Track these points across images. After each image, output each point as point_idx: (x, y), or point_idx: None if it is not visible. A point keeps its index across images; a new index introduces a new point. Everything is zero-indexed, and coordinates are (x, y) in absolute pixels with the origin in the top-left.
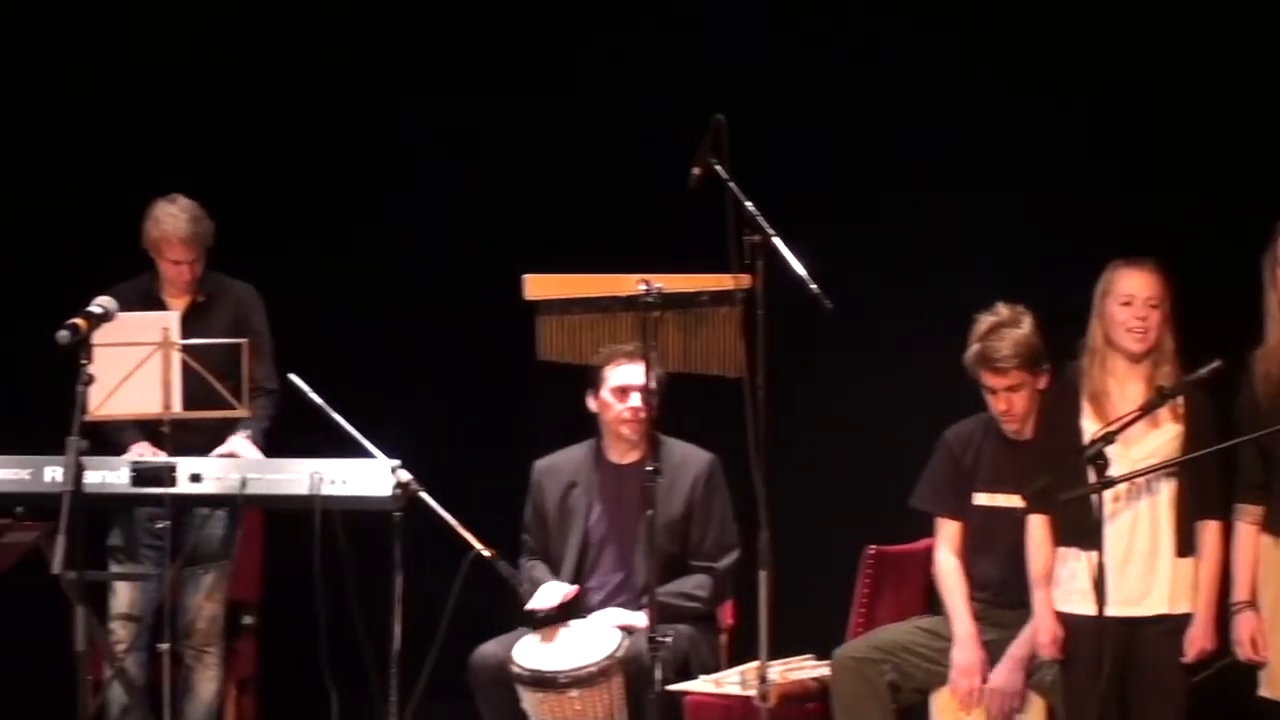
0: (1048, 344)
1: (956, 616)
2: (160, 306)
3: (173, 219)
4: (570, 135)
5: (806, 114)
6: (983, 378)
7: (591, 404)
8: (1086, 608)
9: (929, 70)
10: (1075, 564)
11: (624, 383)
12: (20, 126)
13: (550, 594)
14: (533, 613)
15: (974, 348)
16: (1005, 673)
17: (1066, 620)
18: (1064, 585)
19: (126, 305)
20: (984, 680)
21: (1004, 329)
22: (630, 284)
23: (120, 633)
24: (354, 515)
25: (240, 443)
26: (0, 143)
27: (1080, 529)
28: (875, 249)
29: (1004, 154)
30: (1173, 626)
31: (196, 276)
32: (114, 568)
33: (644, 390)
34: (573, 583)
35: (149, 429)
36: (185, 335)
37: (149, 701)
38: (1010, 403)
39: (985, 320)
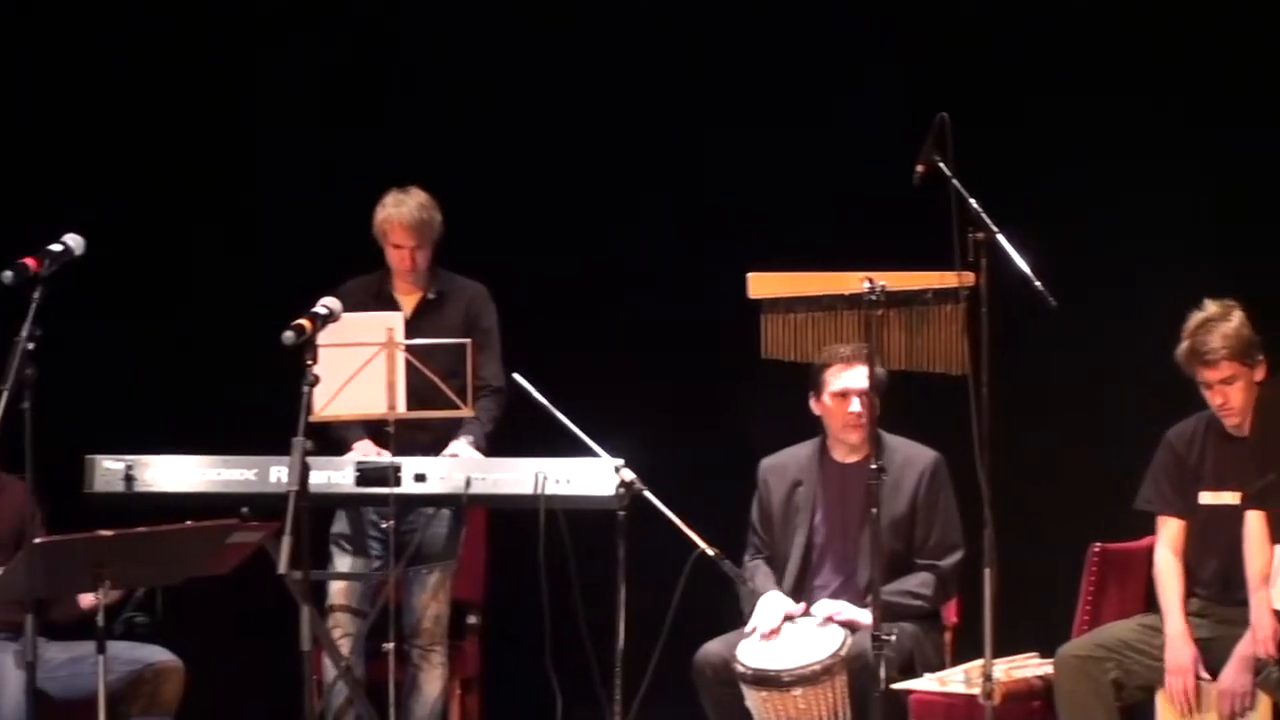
0: (1264, 338)
1: (1169, 615)
2: (391, 303)
3: (399, 203)
4: (793, 132)
5: (1025, 112)
6: (1196, 373)
7: (814, 407)
8: None
9: (1148, 65)
10: None
11: (844, 387)
12: (254, 133)
13: (773, 613)
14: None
15: (1184, 344)
16: (1233, 673)
17: None
18: None
19: (358, 302)
20: (1197, 677)
21: (1212, 323)
22: (854, 282)
23: (339, 617)
24: (578, 514)
25: (461, 447)
26: (234, 148)
27: None
28: (1097, 246)
29: (1221, 152)
30: None
31: (419, 268)
32: (337, 555)
33: (864, 394)
34: (798, 581)
35: (374, 428)
36: (415, 332)
37: (373, 700)
38: (1226, 396)
39: (1195, 317)
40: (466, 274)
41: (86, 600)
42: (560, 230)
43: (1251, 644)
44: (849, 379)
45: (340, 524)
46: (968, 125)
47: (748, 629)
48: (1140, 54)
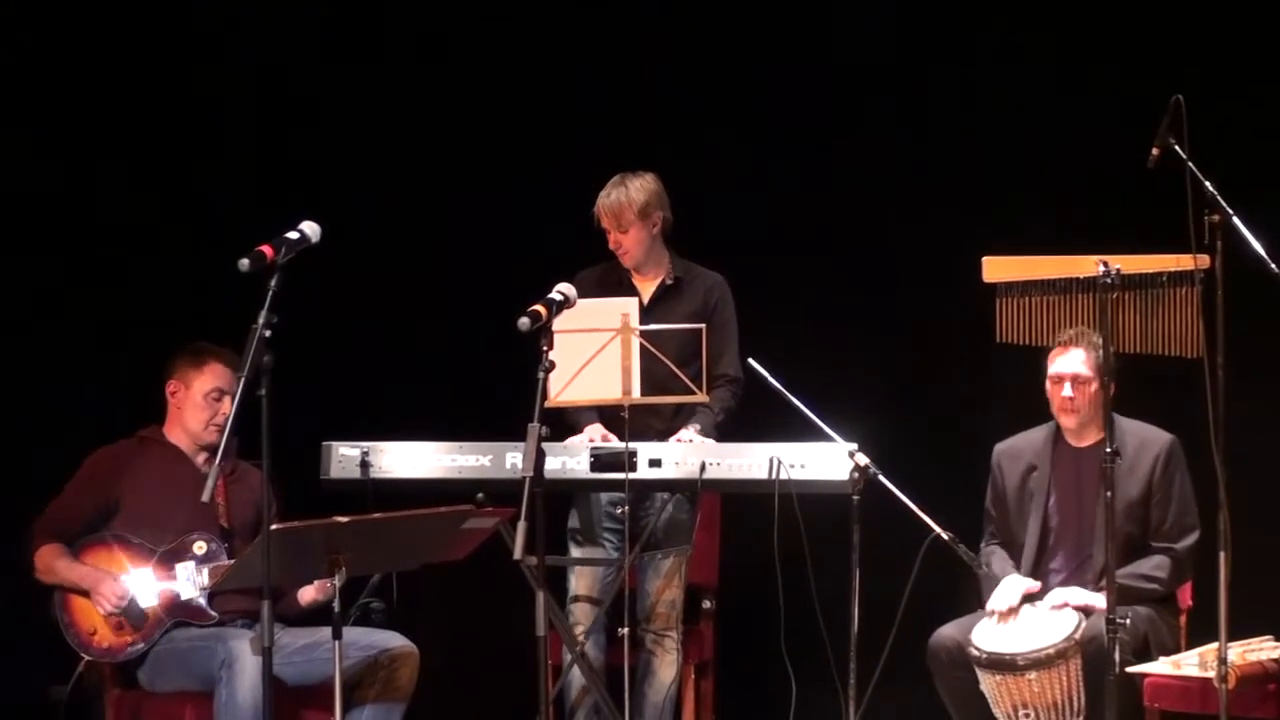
0: None
1: None
2: (630, 288)
3: (608, 186)
4: (1026, 115)
5: (1261, 93)
6: None
7: (1046, 390)
8: None
9: None
10: None
11: (1057, 372)
12: (488, 123)
13: (1011, 592)
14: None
15: None
16: None
17: None
18: None
19: (596, 287)
20: None
21: None
22: (1089, 265)
23: (578, 615)
24: (812, 498)
25: (690, 435)
26: (473, 137)
27: None
28: None
29: None
30: None
31: (628, 251)
32: (574, 550)
33: (1075, 379)
34: (1034, 565)
35: (607, 413)
36: (651, 317)
37: (608, 684)
38: None
39: None
40: (708, 265)
41: (306, 596)
42: (795, 222)
43: None
44: (1062, 364)
45: (573, 520)
46: (1203, 108)
47: (986, 609)
48: None
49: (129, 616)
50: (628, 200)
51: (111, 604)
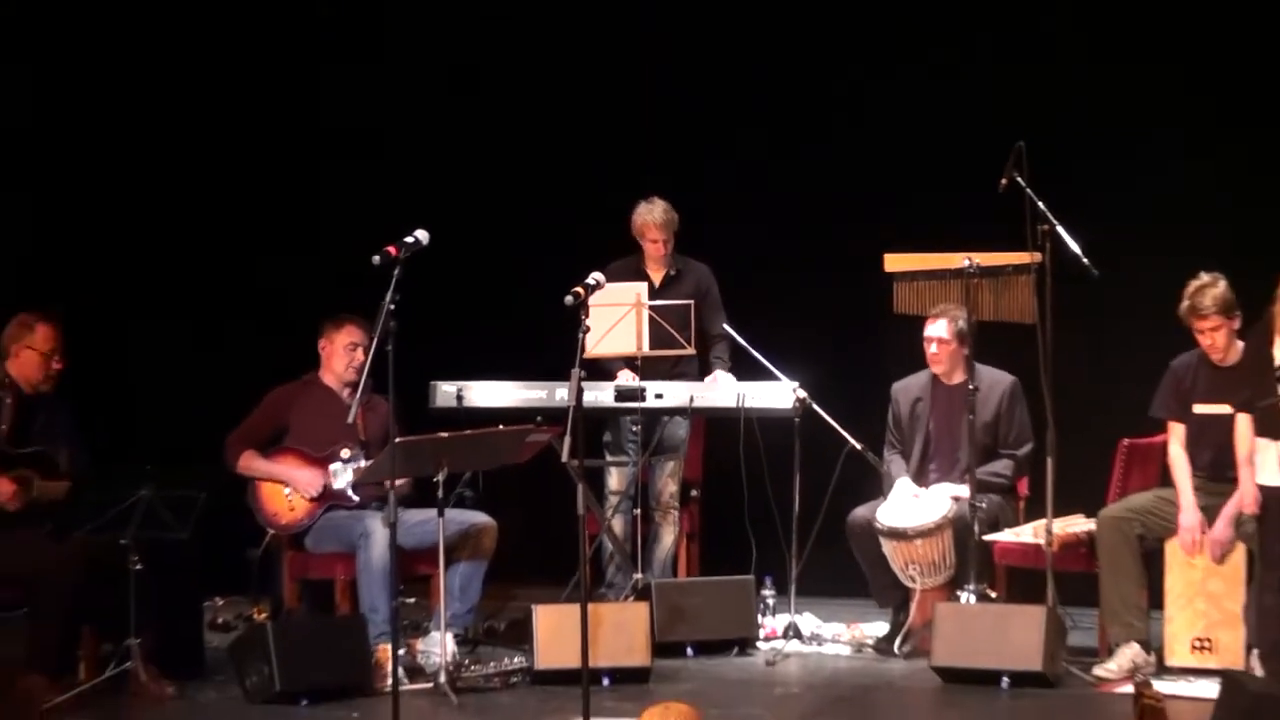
0: (1242, 298)
1: (1182, 490)
2: (645, 277)
3: (651, 210)
4: (921, 148)
5: (1097, 132)
6: (1192, 323)
7: None
8: (1275, 480)
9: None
10: (1266, 451)
11: (927, 335)
12: (498, 129)
13: (903, 494)
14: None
15: (1185, 303)
16: (1220, 527)
17: (1261, 489)
18: (1259, 464)
19: (620, 275)
20: (1202, 533)
21: (1206, 289)
22: (957, 260)
23: (612, 500)
24: (766, 420)
25: (721, 375)
26: (522, 154)
27: (1270, 425)
28: (1129, 234)
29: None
30: None
31: (668, 253)
32: (607, 457)
33: (938, 340)
34: (919, 466)
35: (631, 361)
36: (662, 295)
37: (629, 549)
38: (1213, 339)
39: (1192, 284)
40: (697, 257)
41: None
42: (763, 226)
43: (1234, 506)
44: (929, 329)
45: (607, 435)
46: (1047, 151)
47: (886, 501)
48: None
49: (321, 498)
50: (671, 218)
51: (316, 490)
